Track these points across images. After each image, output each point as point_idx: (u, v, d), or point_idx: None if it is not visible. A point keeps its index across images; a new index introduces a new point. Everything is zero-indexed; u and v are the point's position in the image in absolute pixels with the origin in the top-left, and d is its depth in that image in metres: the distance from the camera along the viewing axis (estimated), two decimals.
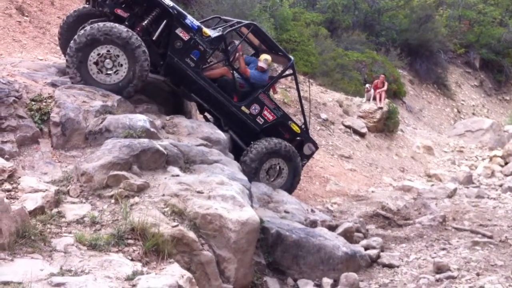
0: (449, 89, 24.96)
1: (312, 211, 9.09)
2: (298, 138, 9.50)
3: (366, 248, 7.81)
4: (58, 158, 6.18)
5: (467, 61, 26.97)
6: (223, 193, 6.04)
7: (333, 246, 7.21)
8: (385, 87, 16.96)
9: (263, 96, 8.98)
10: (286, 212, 8.19)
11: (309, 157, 9.99)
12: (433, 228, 9.01)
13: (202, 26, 8.33)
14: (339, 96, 17.29)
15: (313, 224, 8.19)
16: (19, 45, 9.71)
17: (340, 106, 16.70)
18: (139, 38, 7.44)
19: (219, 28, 8.81)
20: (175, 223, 5.39)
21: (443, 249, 8.01)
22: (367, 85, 17.53)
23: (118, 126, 6.54)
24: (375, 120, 16.37)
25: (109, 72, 7.37)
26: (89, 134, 6.55)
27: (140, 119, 6.75)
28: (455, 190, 12.16)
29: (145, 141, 6.27)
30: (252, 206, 6.43)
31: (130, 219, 5.15)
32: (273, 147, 8.89)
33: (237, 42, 9.37)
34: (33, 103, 6.62)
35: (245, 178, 7.00)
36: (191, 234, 5.40)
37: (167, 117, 7.93)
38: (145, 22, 7.89)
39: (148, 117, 6.98)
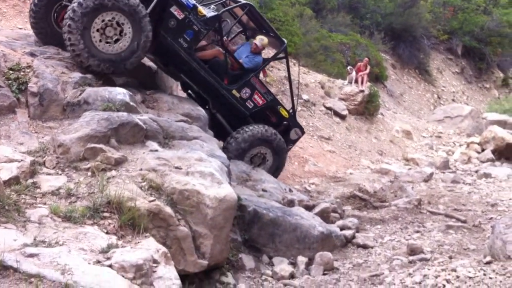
0: (430, 75, 25.09)
1: (290, 190, 9.14)
2: (285, 122, 9.49)
3: (342, 229, 7.89)
4: (35, 128, 6.10)
5: (449, 47, 27.09)
6: (202, 169, 6.03)
7: (309, 226, 7.27)
8: (368, 70, 16.99)
9: (255, 80, 8.89)
10: (264, 190, 8.22)
11: (295, 141, 10.01)
12: (408, 211, 9.12)
13: (198, 5, 8.06)
14: (322, 78, 17.28)
15: (291, 203, 8.24)
16: None
17: (322, 87, 16.70)
18: (144, 8, 7.17)
19: (212, 6, 8.59)
20: (152, 198, 5.38)
21: (417, 231, 8.12)
22: (348, 67, 17.54)
23: (97, 98, 6.46)
24: (356, 103, 16.42)
25: (108, 40, 7.08)
26: (67, 106, 6.46)
27: (120, 92, 6.67)
28: (431, 174, 12.31)
29: (124, 115, 6.21)
30: (230, 183, 6.44)
31: (107, 192, 5.12)
32: (268, 136, 8.91)
33: (229, 21, 9.23)
34: (11, 72, 6.49)
35: (224, 155, 6.99)
36: (168, 209, 5.40)
37: (148, 92, 7.86)
38: None
39: (128, 91, 6.88)
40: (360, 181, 11.16)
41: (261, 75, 10.05)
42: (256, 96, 8.88)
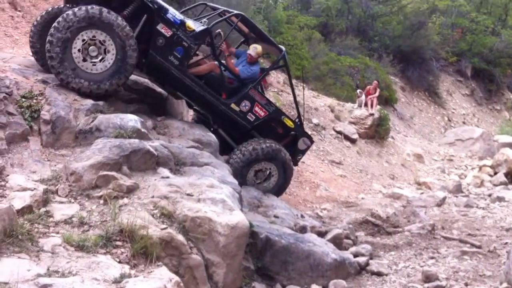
0: (440, 97, 25.06)
1: (302, 216, 9.06)
2: (292, 132, 9.20)
3: (355, 255, 7.79)
4: (47, 156, 6.10)
5: (458, 69, 27.11)
6: (213, 196, 5.99)
7: (322, 253, 7.18)
8: (377, 94, 17.00)
9: (253, 92, 8.57)
10: (275, 217, 8.15)
11: (304, 152, 9.64)
12: (422, 236, 9.01)
13: (186, 20, 7.83)
14: (331, 101, 17.30)
15: (303, 229, 8.16)
16: (11, 40, 9.62)
17: (332, 111, 16.71)
18: (127, 27, 7.05)
19: (204, 20, 8.30)
20: (164, 226, 5.33)
21: (432, 258, 8.01)
22: (358, 91, 17.57)
23: (109, 125, 6.47)
24: (366, 126, 16.40)
25: (93, 60, 6.97)
26: (79, 133, 6.47)
27: (131, 119, 6.68)
28: (444, 198, 12.18)
29: (135, 142, 6.20)
30: (242, 210, 6.39)
31: (119, 221, 5.09)
32: (273, 152, 8.69)
33: (222, 33, 8.87)
34: (23, 100, 6.51)
35: (235, 181, 6.95)
36: (180, 237, 5.35)
37: (158, 118, 7.87)
38: (124, 15, 7.35)
39: (139, 118, 6.89)
40: (372, 206, 11.06)
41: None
42: (256, 108, 8.59)
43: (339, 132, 15.76)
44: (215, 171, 6.85)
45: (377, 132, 16.63)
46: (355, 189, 12.99)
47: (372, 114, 16.54)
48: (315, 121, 15.56)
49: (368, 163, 15.05)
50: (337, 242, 8.10)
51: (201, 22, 8.13)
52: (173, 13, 7.69)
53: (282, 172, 8.96)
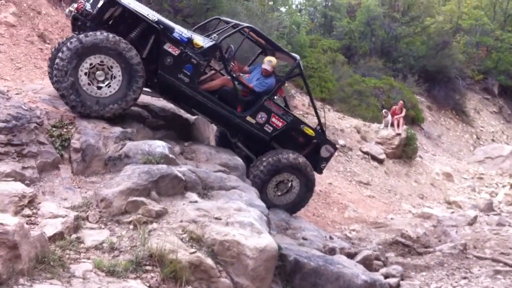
0: (467, 116, 24.81)
1: (331, 238, 9.01)
2: (314, 141, 8.95)
3: (386, 277, 7.71)
4: (78, 183, 6.22)
5: (485, 87, 26.87)
6: (241, 219, 6.01)
7: (352, 274, 7.11)
8: (403, 113, 16.92)
9: (269, 103, 8.37)
10: (304, 239, 8.13)
11: (327, 159, 9.33)
12: (453, 256, 8.88)
13: (194, 37, 7.78)
14: (357, 122, 17.27)
15: (332, 251, 8.11)
16: (40, 72, 9.87)
17: (358, 132, 16.67)
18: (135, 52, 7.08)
19: (214, 35, 8.16)
20: (193, 250, 5.37)
21: (465, 278, 7.88)
22: (383, 111, 17.52)
23: (137, 152, 6.58)
24: (393, 146, 16.30)
25: (100, 84, 7.01)
26: (108, 160, 6.60)
27: (159, 145, 6.78)
28: (475, 217, 11.99)
29: (163, 167, 6.29)
30: (270, 232, 6.38)
31: (148, 245, 5.14)
32: (295, 163, 8.49)
33: (233, 47, 8.74)
34: (54, 129, 6.67)
35: (263, 204, 6.96)
36: (209, 261, 5.37)
37: (186, 143, 7.96)
38: (131, 38, 7.44)
39: (167, 143, 6.99)
40: (402, 226, 10.95)
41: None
42: (273, 119, 8.38)
43: (366, 153, 15.69)
44: (242, 195, 6.87)
45: (404, 152, 16.51)
46: (384, 209, 12.87)
47: (399, 134, 16.45)
48: (341, 142, 15.53)
49: (396, 183, 14.92)
50: (367, 263, 8.02)
51: (211, 38, 8.06)
52: (180, 31, 7.67)
53: (304, 183, 8.75)
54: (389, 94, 20.96)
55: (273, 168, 8.41)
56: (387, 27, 25.12)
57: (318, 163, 9.04)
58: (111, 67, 7.00)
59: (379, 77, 22.14)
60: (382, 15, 25.13)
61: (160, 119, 8.37)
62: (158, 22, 7.47)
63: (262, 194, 8.15)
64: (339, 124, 16.63)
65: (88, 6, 7.54)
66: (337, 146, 14.84)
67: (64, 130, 6.74)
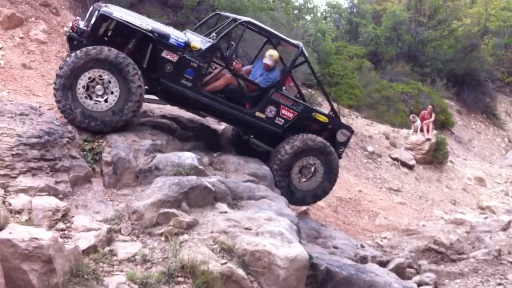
0: (498, 119, 24.41)
1: (362, 246, 8.94)
2: (329, 127, 8.66)
3: (419, 285, 7.63)
4: (110, 196, 6.32)
5: None
6: (271, 229, 6.02)
7: (385, 283, 7.03)
8: (433, 118, 16.75)
9: (277, 95, 8.12)
10: (335, 247, 8.09)
11: (345, 144, 8.95)
12: (488, 262, 8.73)
13: (191, 40, 7.68)
14: (385, 129, 17.15)
15: (363, 260, 8.05)
16: None
17: (387, 138, 16.55)
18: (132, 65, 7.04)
19: (213, 34, 7.98)
20: (224, 260, 5.40)
21: (500, 284, 7.76)
22: (411, 116, 17.37)
23: (167, 164, 6.66)
24: (423, 151, 16.14)
25: (98, 98, 6.99)
26: (139, 173, 6.68)
27: (188, 157, 6.85)
28: (509, 222, 11.77)
29: (193, 179, 6.35)
30: (300, 242, 6.38)
31: (180, 257, 5.19)
32: (317, 145, 8.21)
33: (233, 44, 8.62)
34: (85, 143, 6.81)
35: (292, 213, 6.97)
36: (240, 271, 5.40)
37: (214, 154, 8.01)
38: (129, 49, 7.46)
39: (196, 155, 7.06)
40: (434, 233, 10.80)
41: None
42: (283, 111, 8.16)
43: (395, 159, 15.57)
44: (272, 204, 6.89)
45: (435, 157, 16.32)
46: (416, 216, 12.73)
47: (428, 139, 16.28)
48: (370, 149, 15.43)
49: (427, 189, 14.74)
50: (400, 271, 7.95)
51: (210, 37, 7.94)
52: (176, 37, 7.57)
53: (328, 168, 8.45)
54: (418, 99, 20.77)
55: (299, 151, 8.14)
56: (414, 31, 24.90)
57: (336, 149, 8.67)
58: (109, 81, 6.99)
59: (407, 82, 21.96)
60: (408, 20, 24.93)
61: (188, 130, 8.47)
62: (152, 31, 7.41)
63: (287, 180, 8.11)
64: (368, 130, 16.54)
65: (81, 24, 7.57)
66: (366, 152, 14.81)
67: (95, 144, 6.87)
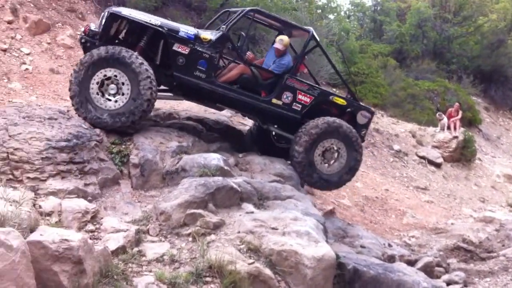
0: None
1: (389, 245, 8.88)
2: (348, 110, 8.41)
3: (448, 283, 7.55)
4: (137, 198, 6.40)
5: None
6: (298, 229, 6.02)
7: (413, 282, 6.98)
8: (460, 116, 16.55)
9: (291, 81, 7.99)
10: (362, 247, 8.05)
11: (366, 126, 8.68)
12: None
13: (200, 32, 7.71)
14: (412, 127, 17.00)
15: (391, 259, 8.00)
16: None
17: (413, 136, 16.40)
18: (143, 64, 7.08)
19: (222, 26, 8.05)
20: (251, 260, 5.42)
21: None
22: (437, 113, 17.19)
23: (194, 165, 6.71)
24: (450, 149, 15.96)
25: (109, 97, 7.07)
26: (166, 174, 6.75)
27: (214, 158, 6.90)
28: None
29: (219, 179, 6.39)
30: (327, 241, 6.37)
31: (208, 257, 5.23)
32: (338, 126, 7.97)
33: (244, 34, 8.51)
34: (113, 146, 6.89)
35: (318, 213, 6.96)
36: (267, 271, 5.41)
37: (240, 155, 8.03)
38: (141, 47, 7.52)
39: (222, 156, 7.11)
40: (463, 231, 10.67)
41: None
42: (300, 96, 8.01)
43: (422, 157, 15.42)
44: (298, 204, 6.89)
45: (463, 155, 16.13)
46: (444, 214, 12.58)
47: (456, 137, 16.09)
48: (396, 147, 15.31)
49: (455, 187, 14.57)
50: (428, 270, 7.88)
51: (219, 30, 7.97)
52: (185, 30, 7.64)
53: (351, 150, 8.16)
54: (444, 97, 20.54)
55: (320, 133, 7.93)
56: (439, 28, 24.63)
57: (358, 132, 8.44)
58: (120, 79, 7.03)
59: (433, 79, 21.73)
60: (433, 17, 24.67)
61: (214, 132, 8.53)
62: (162, 26, 7.48)
63: (309, 164, 7.90)
64: (393, 129, 16.41)
65: (93, 26, 7.70)
66: (392, 151, 14.69)
67: (123, 146, 6.95)
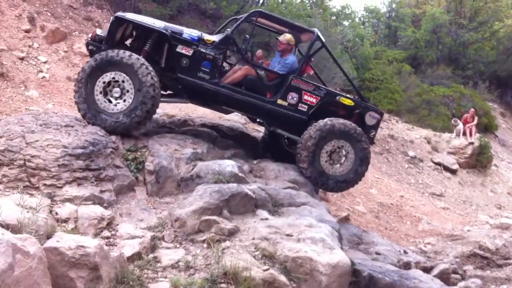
0: None
1: (405, 252, 8.83)
2: (356, 111, 8.28)
3: None
4: (153, 204, 6.44)
5: None
6: (312, 235, 6.01)
7: None
8: (475, 121, 16.44)
9: (297, 81, 7.92)
10: (377, 253, 8.01)
11: (375, 127, 8.51)
12: None
13: (203, 34, 7.80)
14: (427, 133, 16.91)
15: (407, 266, 7.95)
16: None
17: (428, 142, 16.31)
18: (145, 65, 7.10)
19: (227, 30, 8.06)
20: (266, 267, 5.42)
21: None
22: (453, 119, 17.08)
23: (208, 172, 6.75)
24: (466, 155, 15.84)
25: (112, 100, 7.11)
26: (181, 181, 6.79)
27: (229, 165, 6.92)
28: None
29: (234, 186, 6.41)
30: (342, 248, 6.35)
31: (222, 263, 5.24)
32: (344, 128, 7.83)
33: (248, 36, 8.35)
34: (128, 153, 6.95)
35: (333, 220, 6.94)
36: (282, 278, 5.40)
37: (254, 161, 8.03)
38: (146, 51, 7.60)
39: (236, 162, 7.13)
40: (479, 238, 10.57)
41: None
42: (306, 97, 7.94)
43: (437, 164, 15.33)
44: (312, 210, 6.88)
45: (478, 161, 16.00)
46: (460, 221, 12.48)
47: (471, 143, 15.97)
48: (411, 153, 15.23)
49: (471, 194, 14.45)
50: (444, 277, 7.82)
51: (223, 33, 8.01)
52: (189, 32, 7.71)
53: (355, 143, 7.97)
54: (460, 102, 20.41)
55: (325, 133, 7.79)
56: (454, 34, 24.50)
57: (367, 133, 8.32)
58: (119, 78, 7.07)
59: (448, 85, 21.61)
60: (448, 22, 24.56)
61: (228, 138, 8.55)
62: (165, 28, 7.55)
63: (315, 165, 7.77)
64: (408, 135, 16.34)
65: (99, 31, 7.77)
66: (407, 157, 14.61)
67: (138, 153, 7.00)
